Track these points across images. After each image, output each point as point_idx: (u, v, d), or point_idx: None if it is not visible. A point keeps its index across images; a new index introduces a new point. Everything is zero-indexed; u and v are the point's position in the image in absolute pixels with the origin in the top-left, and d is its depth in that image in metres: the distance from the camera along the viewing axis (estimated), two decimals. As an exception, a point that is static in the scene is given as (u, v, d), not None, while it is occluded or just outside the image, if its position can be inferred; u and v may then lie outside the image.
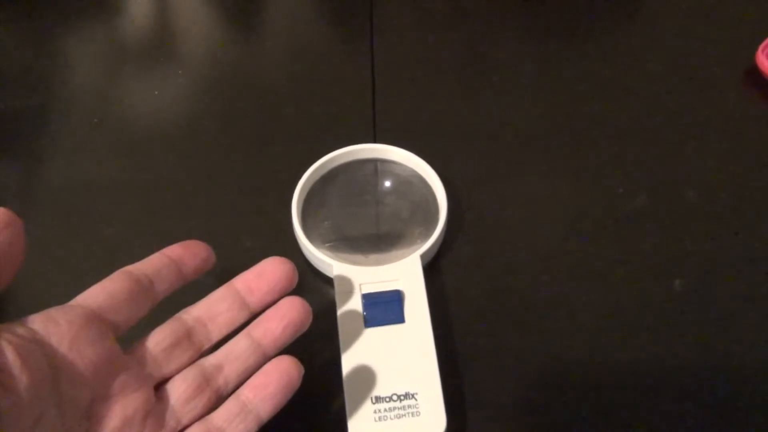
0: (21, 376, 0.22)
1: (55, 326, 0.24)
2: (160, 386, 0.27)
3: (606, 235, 0.37)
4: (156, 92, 0.43)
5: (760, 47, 0.42)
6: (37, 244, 0.37)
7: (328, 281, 0.34)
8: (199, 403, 0.27)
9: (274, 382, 0.27)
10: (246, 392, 0.27)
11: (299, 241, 0.35)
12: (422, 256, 0.34)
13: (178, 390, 0.27)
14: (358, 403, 0.30)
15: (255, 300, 0.29)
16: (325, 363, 0.32)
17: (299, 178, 0.36)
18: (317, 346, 0.33)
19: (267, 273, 0.29)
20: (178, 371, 0.27)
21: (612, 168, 0.39)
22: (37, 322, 0.24)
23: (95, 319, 0.25)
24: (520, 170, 0.39)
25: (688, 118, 0.41)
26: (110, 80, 0.44)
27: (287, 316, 0.28)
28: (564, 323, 0.34)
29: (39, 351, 0.23)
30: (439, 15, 0.47)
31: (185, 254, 0.28)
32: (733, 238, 0.37)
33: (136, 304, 0.27)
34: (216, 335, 0.28)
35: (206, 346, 0.28)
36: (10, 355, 0.22)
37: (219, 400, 0.27)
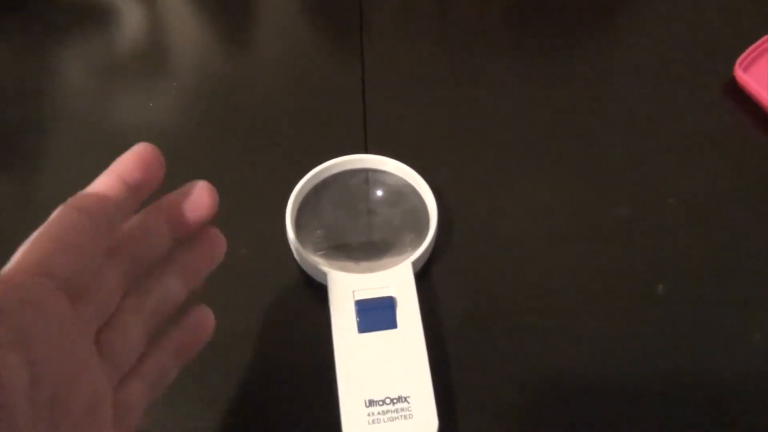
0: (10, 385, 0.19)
1: (33, 316, 0.20)
2: (96, 338, 0.23)
3: (592, 242, 0.38)
4: (150, 104, 0.44)
5: (738, 61, 0.43)
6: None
7: (322, 288, 0.35)
8: (136, 354, 0.25)
9: (201, 336, 0.27)
10: (174, 344, 0.26)
11: (293, 249, 0.36)
12: (414, 263, 0.34)
13: (118, 343, 0.24)
14: (351, 407, 0.30)
15: (181, 229, 0.26)
16: (319, 367, 0.33)
17: (292, 188, 0.37)
18: (312, 351, 0.34)
19: (197, 202, 0.27)
20: (116, 316, 0.24)
21: (596, 176, 0.40)
22: (16, 311, 0.20)
23: (61, 290, 0.21)
24: (508, 179, 0.40)
25: (670, 128, 0.42)
26: (104, 92, 0.44)
27: (213, 253, 0.28)
28: (552, 328, 0.35)
29: (18, 355, 0.19)
30: (428, 27, 0.48)
31: (145, 178, 0.24)
32: (715, 244, 0.38)
33: (95, 259, 0.22)
34: (146, 269, 0.25)
35: (134, 284, 0.25)
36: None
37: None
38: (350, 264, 0.35)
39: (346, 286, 0.34)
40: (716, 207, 0.39)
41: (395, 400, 0.31)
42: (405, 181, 0.38)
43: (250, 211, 0.39)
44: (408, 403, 0.30)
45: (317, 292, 0.35)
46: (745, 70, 0.43)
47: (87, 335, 0.22)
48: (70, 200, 0.23)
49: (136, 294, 0.25)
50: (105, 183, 0.23)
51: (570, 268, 0.37)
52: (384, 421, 0.30)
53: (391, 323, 0.32)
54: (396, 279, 0.34)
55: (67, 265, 0.21)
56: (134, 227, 0.25)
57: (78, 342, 0.22)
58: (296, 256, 0.36)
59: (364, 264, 0.35)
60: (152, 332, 0.26)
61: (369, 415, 0.30)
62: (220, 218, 0.38)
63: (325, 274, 0.34)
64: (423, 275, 0.36)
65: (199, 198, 0.26)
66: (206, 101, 0.44)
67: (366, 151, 0.40)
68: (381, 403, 0.30)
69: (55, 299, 0.21)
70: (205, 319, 0.28)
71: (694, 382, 0.34)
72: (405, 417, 0.30)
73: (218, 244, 0.27)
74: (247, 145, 0.42)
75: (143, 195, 0.24)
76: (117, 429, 0.23)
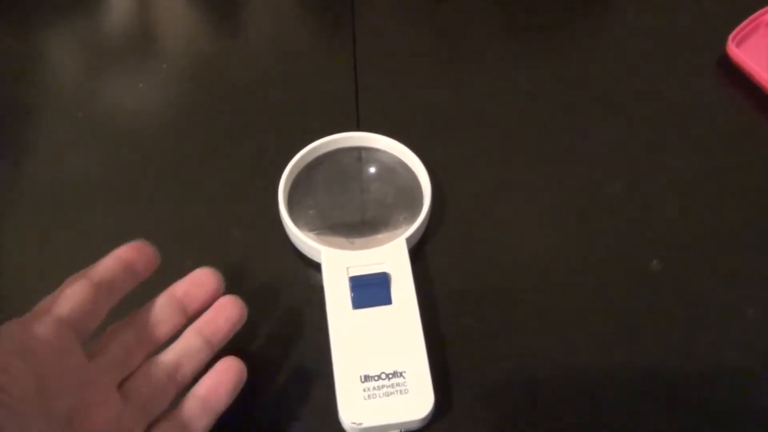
0: (11, 389, 0.23)
1: (35, 339, 0.25)
2: (122, 386, 0.28)
3: (585, 218, 0.38)
4: (140, 85, 0.43)
5: (730, 36, 0.43)
6: (21, 238, 0.37)
7: (316, 266, 0.35)
8: (164, 400, 0.28)
9: (229, 380, 0.29)
10: (203, 390, 0.29)
11: (287, 228, 0.36)
12: (408, 240, 0.34)
13: (143, 389, 0.28)
14: (347, 382, 0.30)
15: (193, 307, 0.31)
16: (314, 344, 0.33)
17: (284, 167, 0.37)
18: (307, 328, 0.34)
19: (204, 283, 0.31)
20: (136, 371, 0.28)
21: (589, 153, 0.40)
22: (18, 334, 0.24)
23: (66, 328, 0.26)
24: (501, 156, 0.40)
25: (663, 104, 0.42)
26: (94, 74, 0.44)
27: (231, 315, 0.30)
28: (545, 303, 0.35)
29: (24, 363, 0.24)
30: (421, 4, 0.48)
31: (136, 256, 0.29)
32: (708, 219, 0.38)
33: (98, 310, 0.27)
34: (163, 338, 0.30)
35: (155, 348, 0.29)
36: (1, 371, 0.23)
37: (178, 395, 0.29)
38: (344, 242, 0.35)
39: (340, 263, 0.33)
40: (708, 182, 0.39)
41: (391, 376, 0.30)
42: (398, 158, 0.38)
43: (242, 191, 0.39)
44: (403, 378, 0.30)
45: (311, 269, 0.35)
46: (738, 45, 0.43)
47: (106, 380, 0.27)
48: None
49: (159, 351, 0.29)
50: (102, 262, 0.29)
51: (563, 244, 0.37)
52: (380, 396, 0.30)
53: (385, 299, 0.32)
54: (390, 255, 0.34)
55: (78, 318, 0.26)
56: (147, 307, 0.30)
57: (94, 382, 0.26)
58: (289, 235, 0.36)
59: (358, 241, 0.35)
60: (179, 382, 0.29)
61: (365, 390, 0.30)
62: (211, 199, 0.38)
63: (318, 252, 0.34)
64: (417, 252, 0.36)
65: (201, 278, 0.31)
66: (196, 82, 0.44)
67: (358, 129, 0.40)
68: (376, 378, 0.30)
69: (66, 335, 0.26)
70: (233, 365, 0.30)
71: (688, 356, 0.34)
72: (401, 392, 0.30)
73: (234, 305, 0.31)
74: (238, 125, 0.41)
75: (140, 269, 0.29)
76: None
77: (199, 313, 0.31)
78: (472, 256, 0.36)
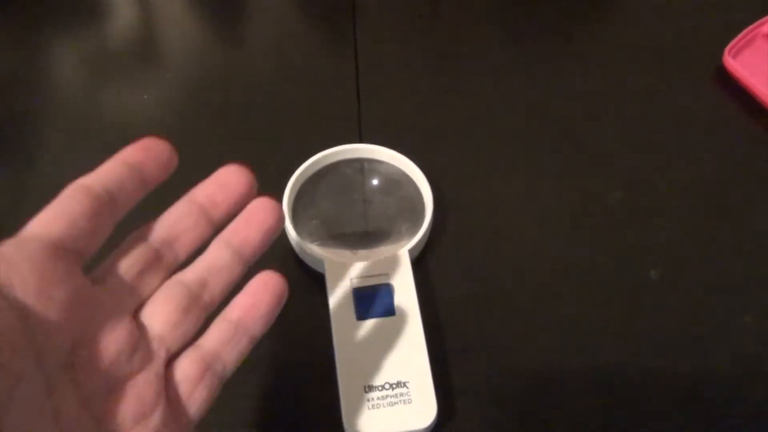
0: None
1: (14, 269, 0.20)
2: (138, 312, 0.24)
3: (585, 227, 0.38)
4: (145, 96, 0.44)
5: (727, 48, 0.44)
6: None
7: (320, 277, 0.35)
8: (188, 326, 0.24)
9: (266, 301, 0.25)
10: (236, 312, 0.25)
11: (290, 239, 0.36)
12: (410, 251, 0.35)
13: (162, 314, 0.24)
14: (351, 392, 0.31)
15: (219, 213, 0.26)
16: (318, 354, 0.33)
17: (288, 178, 0.37)
18: (311, 339, 0.34)
19: (230, 183, 0.26)
20: (154, 294, 0.24)
21: (589, 162, 0.41)
22: None
23: (57, 251, 0.21)
24: (502, 166, 0.41)
25: (660, 114, 0.43)
26: (98, 83, 0.44)
27: (265, 221, 0.26)
28: (548, 314, 0.35)
29: (5, 303, 0.20)
30: (422, 15, 0.48)
31: (146, 157, 0.24)
32: (705, 228, 0.39)
33: (99, 226, 0.23)
34: (183, 254, 0.25)
35: (174, 265, 0.25)
36: None
37: (206, 319, 0.25)
38: (347, 253, 0.36)
39: (344, 274, 0.34)
40: (706, 192, 0.40)
41: (394, 386, 0.31)
42: (400, 169, 0.38)
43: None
44: (407, 388, 0.31)
45: (315, 280, 0.36)
46: (735, 56, 0.44)
47: (116, 307, 0.23)
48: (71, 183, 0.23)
49: (180, 269, 0.25)
50: (104, 165, 0.24)
51: (564, 253, 0.38)
52: (383, 406, 0.30)
53: (389, 310, 0.33)
54: (393, 266, 0.34)
55: (65, 230, 0.22)
56: (164, 217, 0.25)
57: (101, 310, 0.22)
58: (293, 246, 0.36)
59: (361, 252, 0.36)
60: (207, 304, 0.25)
61: (368, 400, 0.31)
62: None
63: (322, 263, 0.34)
64: (419, 262, 0.36)
65: (227, 179, 0.26)
66: (200, 92, 0.44)
67: (361, 141, 0.40)
68: (380, 388, 0.31)
69: (57, 260, 0.21)
70: (272, 281, 0.25)
71: (687, 363, 0.34)
72: (404, 402, 0.31)
73: (268, 208, 0.26)
74: (242, 136, 0.42)
75: (149, 174, 0.24)
76: (171, 411, 0.23)
77: (228, 220, 0.26)
78: (473, 265, 0.37)
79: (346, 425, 0.30)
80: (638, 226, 0.39)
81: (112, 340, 0.22)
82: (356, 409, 0.30)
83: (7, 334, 0.19)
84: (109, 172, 0.24)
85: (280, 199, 0.36)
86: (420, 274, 0.35)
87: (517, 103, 0.43)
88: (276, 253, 0.37)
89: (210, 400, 0.24)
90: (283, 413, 0.32)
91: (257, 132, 0.42)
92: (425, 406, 0.31)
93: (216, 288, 0.25)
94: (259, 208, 0.26)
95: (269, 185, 0.37)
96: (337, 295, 0.33)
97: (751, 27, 0.45)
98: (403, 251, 0.35)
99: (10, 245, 0.21)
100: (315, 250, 0.35)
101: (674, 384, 0.33)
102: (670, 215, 0.39)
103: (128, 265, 0.24)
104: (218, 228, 0.26)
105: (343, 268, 0.34)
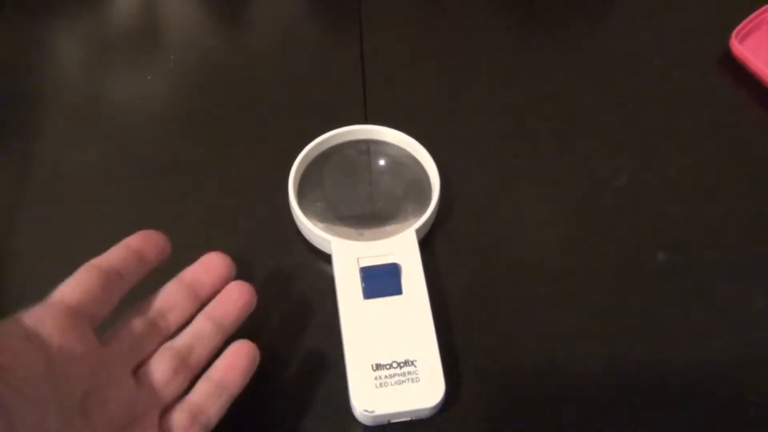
0: (24, 374, 0.23)
1: (43, 324, 0.25)
2: (137, 371, 0.28)
3: (593, 210, 0.38)
4: (149, 77, 0.43)
5: (734, 32, 0.44)
6: (30, 228, 0.37)
7: (326, 257, 0.35)
8: (178, 384, 0.29)
9: (242, 362, 0.30)
10: (217, 373, 0.29)
11: (297, 220, 0.36)
12: (417, 231, 0.35)
13: (156, 373, 0.28)
14: (359, 371, 0.31)
15: (204, 291, 0.31)
16: (326, 334, 0.33)
17: (293, 159, 0.37)
18: (318, 318, 0.34)
19: (213, 267, 0.31)
20: (150, 357, 0.29)
21: (596, 148, 0.41)
22: (27, 321, 0.25)
23: (75, 314, 0.26)
24: (509, 148, 0.41)
25: (667, 99, 0.43)
26: (102, 66, 0.44)
27: (240, 299, 0.31)
28: (552, 294, 0.35)
29: (34, 349, 0.24)
30: (427, 1, 0.48)
31: (146, 245, 0.30)
32: (713, 212, 0.38)
33: (109, 297, 0.28)
34: (174, 324, 0.30)
35: (167, 333, 0.30)
36: (10, 355, 0.23)
37: (193, 379, 0.29)
38: (353, 233, 0.36)
39: (351, 254, 0.34)
40: (713, 176, 0.40)
41: (402, 364, 0.31)
42: (406, 150, 0.38)
43: (252, 183, 0.39)
44: (415, 366, 0.31)
45: (321, 260, 0.36)
46: (741, 41, 0.44)
47: (120, 365, 0.28)
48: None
49: (172, 337, 0.30)
50: (112, 249, 0.29)
51: (570, 235, 0.37)
52: (391, 385, 0.30)
53: (396, 289, 0.33)
54: (400, 246, 0.34)
55: (81, 298, 0.27)
56: (159, 293, 0.30)
57: (108, 366, 0.27)
58: (300, 227, 0.36)
59: (368, 232, 0.36)
60: (193, 366, 0.29)
61: (376, 378, 0.30)
62: (220, 192, 0.39)
63: (329, 243, 0.34)
64: (426, 243, 0.36)
65: (210, 263, 0.31)
66: (205, 74, 0.44)
67: (366, 122, 0.40)
68: (388, 367, 0.31)
69: (76, 321, 0.26)
70: (245, 348, 0.30)
71: (695, 348, 0.34)
72: (412, 380, 0.30)
73: (243, 290, 0.31)
74: (247, 117, 0.42)
75: (150, 257, 0.30)
76: None
77: (211, 297, 0.31)
78: (480, 246, 0.37)
79: (353, 403, 0.30)
80: (646, 209, 0.38)
81: (117, 392, 0.27)
82: (364, 387, 0.30)
83: (36, 373, 0.24)
84: (116, 254, 0.29)
85: (285, 181, 0.36)
86: (427, 254, 0.35)
87: (525, 87, 0.43)
88: (282, 234, 0.37)
89: None
90: (291, 392, 0.32)
91: (262, 114, 0.42)
92: (433, 384, 0.30)
93: (201, 353, 0.29)
94: (236, 290, 0.31)
95: (276, 166, 0.38)
96: (344, 275, 0.33)
97: (758, 11, 0.45)
98: (410, 231, 0.34)
99: (38, 307, 0.26)
100: (322, 231, 0.35)
101: (683, 370, 0.33)
102: (678, 199, 0.39)
103: (130, 331, 0.28)
104: (203, 303, 0.31)
105: (351, 248, 0.34)
